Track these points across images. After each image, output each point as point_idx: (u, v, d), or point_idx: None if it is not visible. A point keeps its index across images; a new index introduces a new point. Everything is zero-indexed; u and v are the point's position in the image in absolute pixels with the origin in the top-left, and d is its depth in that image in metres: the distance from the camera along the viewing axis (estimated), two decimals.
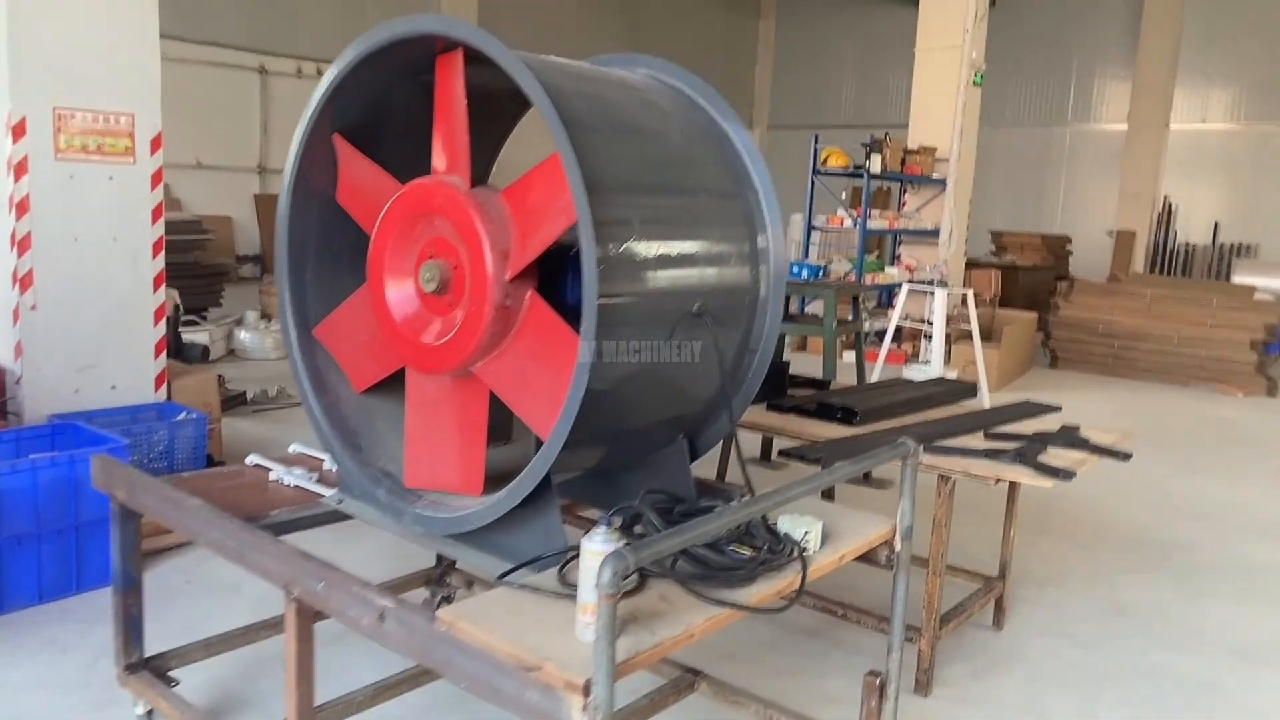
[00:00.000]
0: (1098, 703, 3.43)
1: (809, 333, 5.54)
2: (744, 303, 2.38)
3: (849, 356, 10.39)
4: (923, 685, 3.35)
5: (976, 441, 3.37)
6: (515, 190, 2.19)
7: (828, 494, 5.19)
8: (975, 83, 12.06)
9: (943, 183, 11.75)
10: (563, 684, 1.66)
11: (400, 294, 2.37)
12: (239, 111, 14.77)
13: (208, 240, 9.55)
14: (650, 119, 2.28)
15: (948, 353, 9.79)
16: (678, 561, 2.09)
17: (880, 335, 11.07)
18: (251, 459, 3.02)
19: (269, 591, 2.60)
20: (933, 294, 6.92)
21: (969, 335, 9.59)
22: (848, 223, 10.91)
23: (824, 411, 3.57)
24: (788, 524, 2.31)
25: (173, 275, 8.70)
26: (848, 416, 3.51)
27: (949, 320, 9.97)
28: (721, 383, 2.37)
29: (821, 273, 5.64)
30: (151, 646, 2.93)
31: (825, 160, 11.00)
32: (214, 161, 14.52)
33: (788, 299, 5.80)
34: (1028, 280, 14.47)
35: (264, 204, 15.12)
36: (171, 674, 2.86)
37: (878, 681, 2.53)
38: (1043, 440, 3.37)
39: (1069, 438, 3.42)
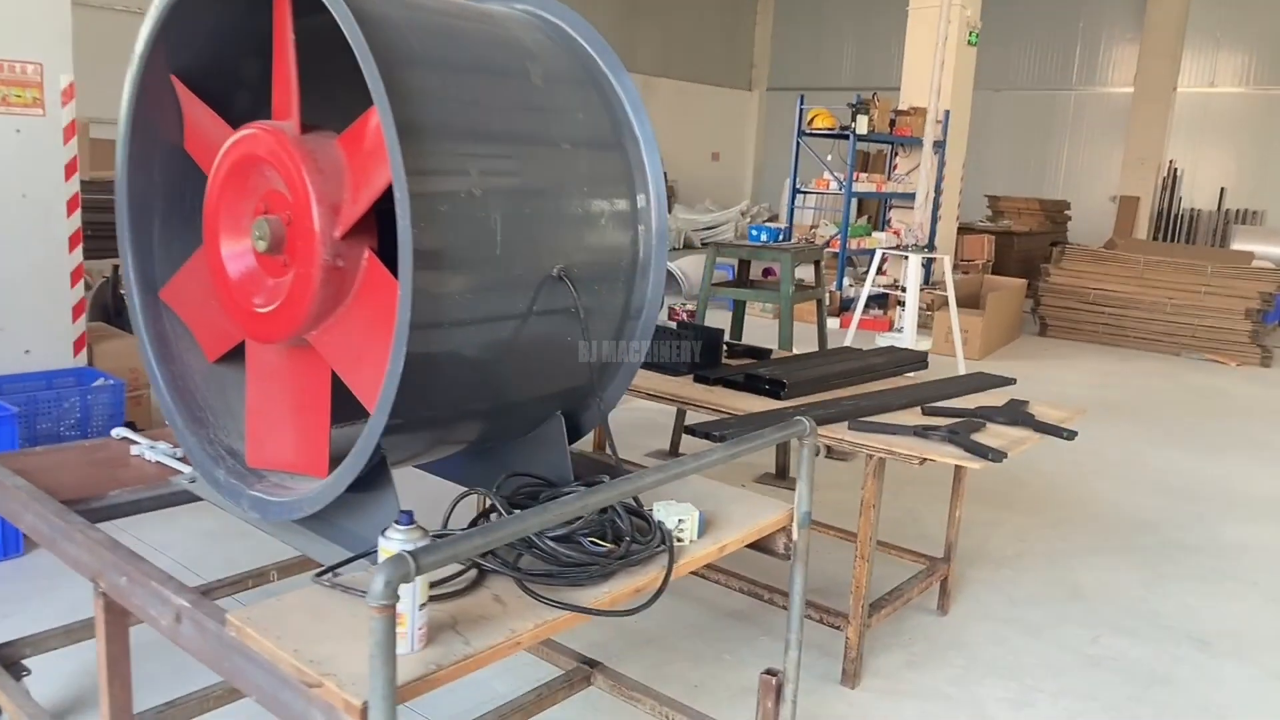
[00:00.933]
0: (1038, 693, 3.21)
1: (762, 299, 5.27)
2: (620, 266, 2.13)
3: (832, 323, 10.15)
4: (850, 676, 3.14)
5: (911, 417, 3.13)
6: (349, 136, 1.93)
7: (781, 473, 4.99)
8: (969, 42, 11.68)
9: (938, 145, 11.43)
10: (342, 704, 1.44)
11: (234, 253, 2.12)
12: None
13: None
14: (506, 58, 2.01)
15: (929, 320, 9.53)
16: (521, 556, 1.87)
17: (872, 302, 10.83)
18: (118, 431, 2.79)
19: (195, 557, 2.36)
20: (907, 259, 6.64)
21: (959, 304, 9.32)
22: (834, 186, 10.59)
23: (752, 384, 3.33)
24: (663, 512, 2.08)
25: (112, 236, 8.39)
26: (775, 389, 3.27)
27: (932, 286, 9.70)
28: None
29: (782, 236, 5.36)
30: (22, 630, 2.73)
31: (811, 121, 10.66)
32: None
33: (748, 264, 5.54)
34: (1024, 246, 14.15)
35: None
36: (25, 663, 2.66)
37: (774, 681, 2.31)
38: (984, 416, 3.13)
39: (1013, 414, 3.18)
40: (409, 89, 1.74)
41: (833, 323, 10.03)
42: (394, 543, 1.55)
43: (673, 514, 2.06)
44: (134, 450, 2.67)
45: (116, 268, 6.15)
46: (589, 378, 2.24)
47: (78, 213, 4.65)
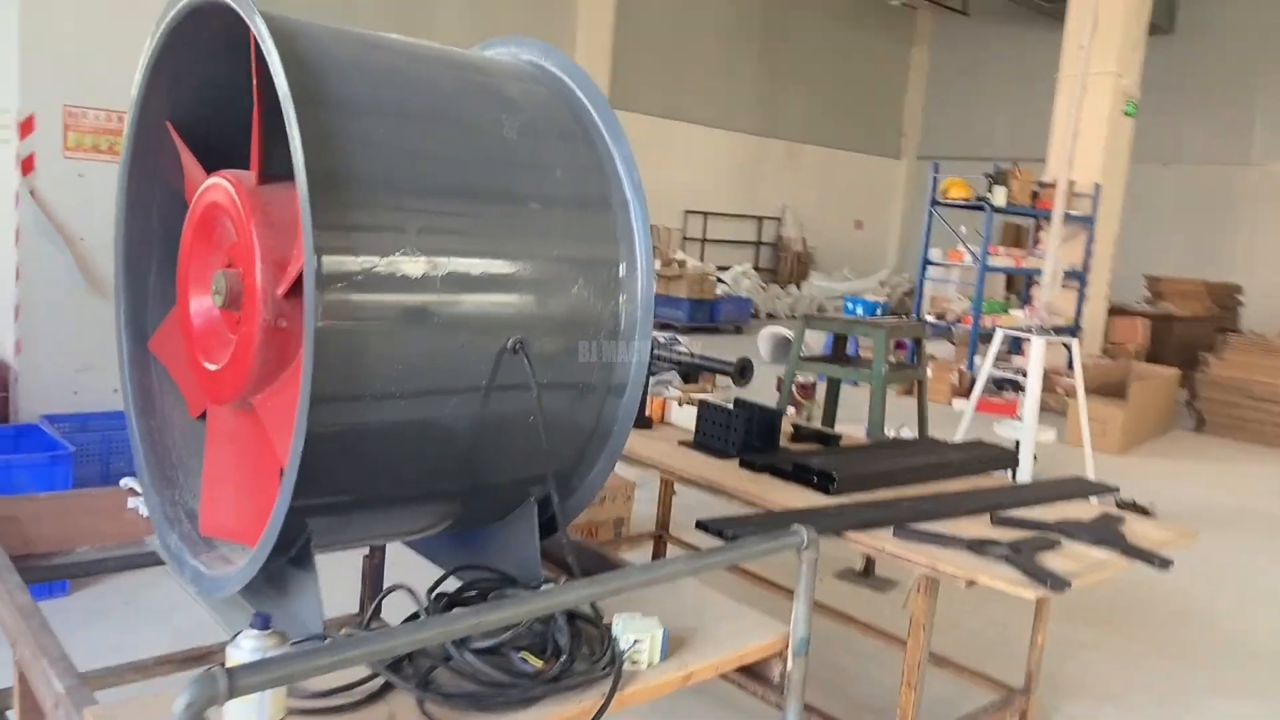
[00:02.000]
0: None
1: (853, 377, 4.90)
2: (596, 338, 1.90)
3: (959, 404, 9.54)
4: None
5: (978, 526, 2.73)
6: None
7: (868, 570, 4.53)
8: (1126, 112, 10.99)
9: (1085, 220, 10.74)
10: None
11: (199, 307, 2.02)
12: None
13: None
14: (477, 108, 1.84)
15: (1065, 407, 8.81)
16: (434, 670, 1.63)
17: (1005, 385, 10.15)
18: (126, 481, 2.74)
19: (203, 621, 2.31)
20: (1034, 341, 6.10)
21: (1098, 390, 8.59)
22: (967, 259, 10.05)
23: (800, 475, 3.01)
24: (623, 626, 1.81)
25: None
26: (824, 482, 2.93)
27: (1064, 374, 8.98)
28: (545, 435, 1.89)
29: (882, 310, 4.99)
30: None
31: (946, 191, 10.19)
32: None
33: (844, 339, 5.20)
34: (1185, 332, 13.02)
35: None
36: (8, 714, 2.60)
37: None
38: (1064, 531, 2.70)
39: (1100, 531, 2.73)
40: (339, 135, 1.58)
41: (962, 403, 9.44)
42: (241, 651, 1.35)
43: (635, 630, 1.78)
44: (130, 503, 2.60)
45: None
46: (565, 460, 2.00)
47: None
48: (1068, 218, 10.74)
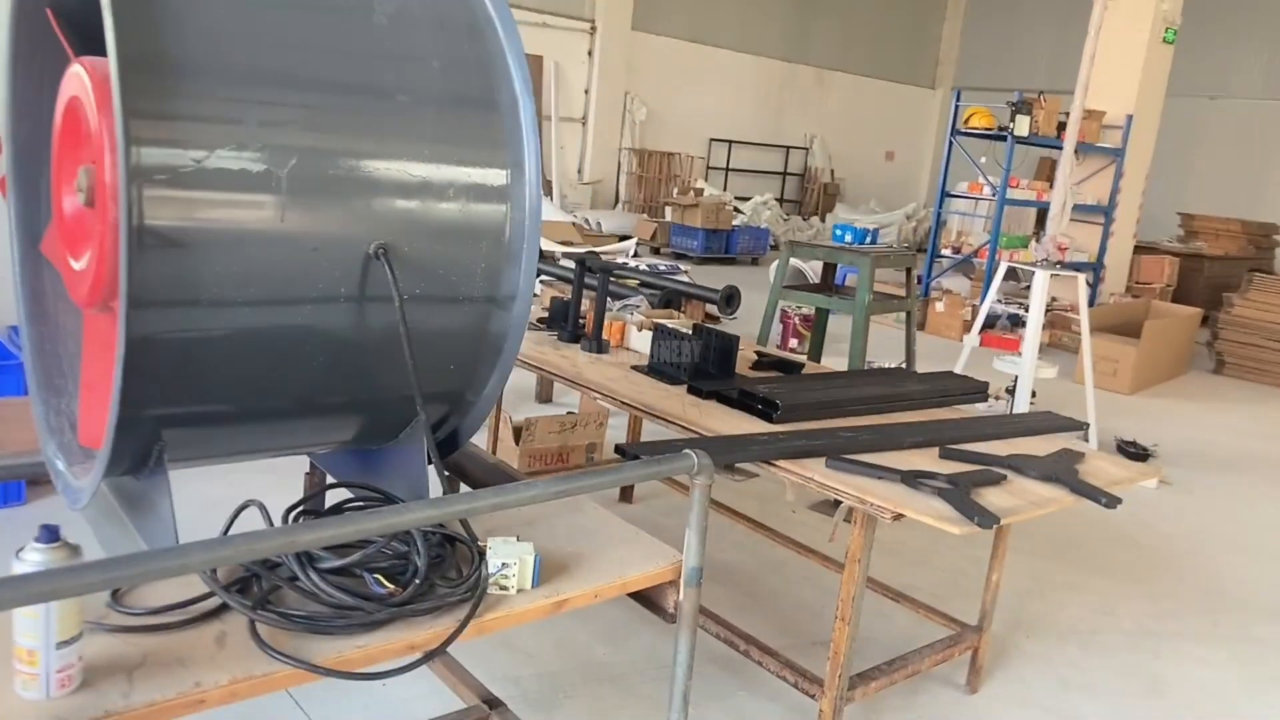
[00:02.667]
0: None
1: (835, 306, 4.72)
2: (476, 248, 1.77)
3: (970, 339, 9.31)
4: None
5: (925, 459, 2.60)
6: None
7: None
8: (1165, 40, 10.49)
9: (1114, 152, 10.34)
10: None
11: (69, 206, 1.91)
12: None
13: None
14: None
15: (1077, 345, 8.56)
16: (275, 590, 1.55)
17: (1020, 321, 9.89)
18: None
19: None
20: (1023, 275, 5.87)
21: (1115, 329, 8.34)
22: (987, 191, 9.72)
23: (745, 401, 2.88)
24: (495, 550, 1.72)
25: None
26: (768, 410, 2.81)
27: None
28: (411, 349, 1.78)
29: (871, 238, 4.79)
30: None
31: (968, 120, 9.82)
32: None
33: (833, 268, 5.01)
34: (1217, 272, 12.62)
35: None
36: None
37: None
38: (1013, 466, 2.57)
39: (1051, 467, 2.59)
40: (168, 13, 1.45)
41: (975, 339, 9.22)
42: (23, 565, 1.27)
43: (503, 555, 1.69)
44: None
45: None
46: (453, 376, 1.89)
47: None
48: (1094, 149, 10.37)
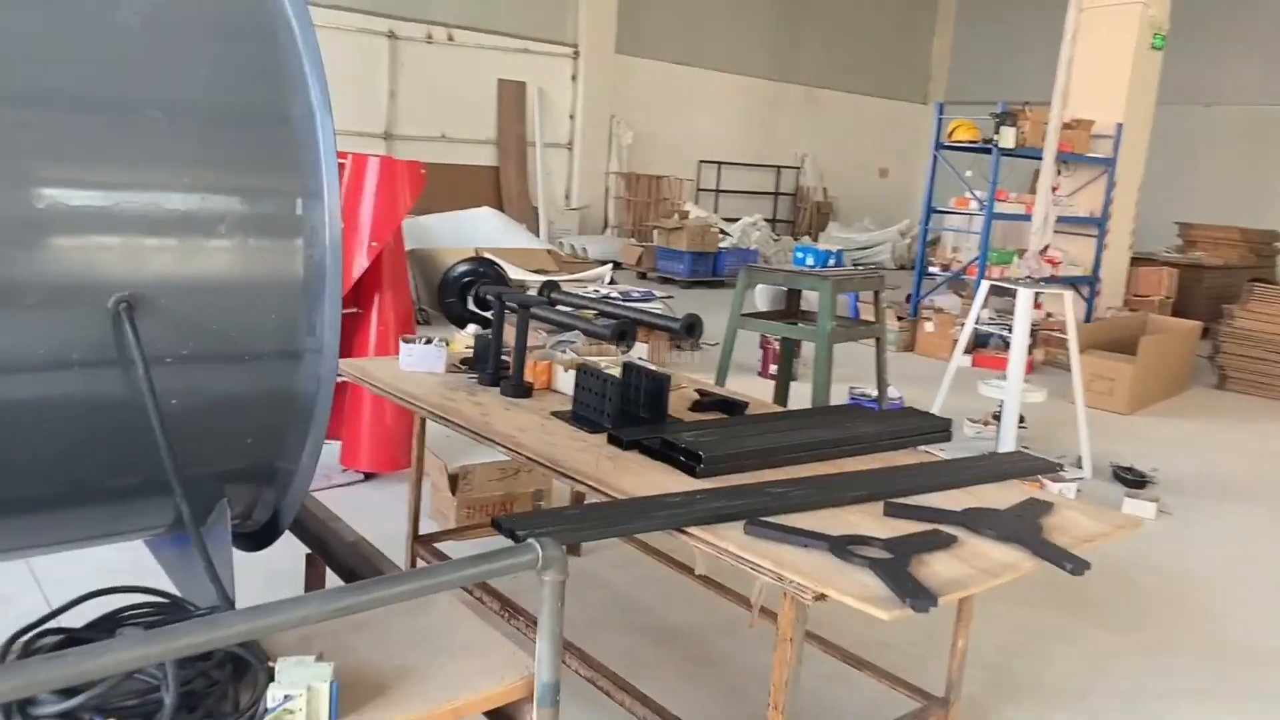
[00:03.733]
0: None
1: (795, 334, 4.38)
2: (264, 297, 1.44)
3: (961, 360, 8.97)
4: None
5: (862, 519, 2.25)
6: None
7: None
8: (1154, 45, 10.20)
9: (1105, 162, 10.03)
10: None
11: None
12: (367, 77, 14.66)
13: None
14: None
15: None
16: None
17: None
18: None
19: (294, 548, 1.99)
20: (1015, 293, 5.54)
21: (1110, 345, 7.98)
22: (974, 206, 9.40)
23: (668, 453, 2.54)
24: (285, 676, 1.37)
25: None
26: (690, 463, 2.46)
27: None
28: (162, 422, 1.44)
29: (833, 260, 4.45)
30: None
31: (952, 133, 9.52)
32: (342, 126, 14.43)
33: (797, 294, 4.67)
34: (1217, 282, 12.24)
35: None
36: None
37: None
38: (968, 524, 2.22)
39: (1014, 524, 2.24)
40: None
41: (964, 361, 8.89)
42: None
43: (291, 682, 1.35)
44: None
45: None
46: (253, 448, 1.56)
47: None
48: (1084, 160, 10.05)
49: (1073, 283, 10.37)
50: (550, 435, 2.72)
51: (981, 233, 9.08)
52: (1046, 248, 10.81)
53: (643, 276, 13.47)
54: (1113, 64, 10.11)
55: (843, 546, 2.01)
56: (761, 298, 10.90)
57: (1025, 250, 10.53)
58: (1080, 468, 5.77)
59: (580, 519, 2.07)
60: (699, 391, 3.30)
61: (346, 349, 4.48)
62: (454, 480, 4.09)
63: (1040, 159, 10.07)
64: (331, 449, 4.82)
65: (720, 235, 13.62)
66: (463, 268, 8.10)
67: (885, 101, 21.88)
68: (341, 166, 4.48)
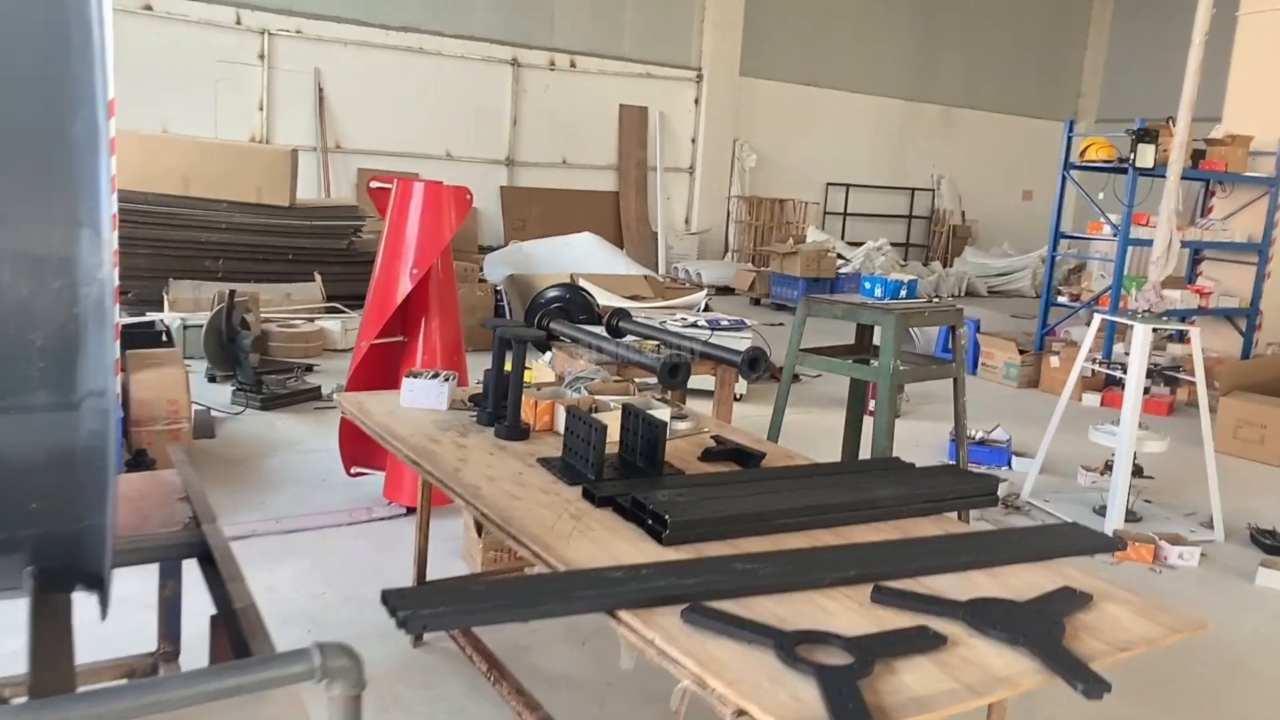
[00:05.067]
0: None
1: (854, 373, 3.97)
2: (25, 341, 1.25)
3: (1091, 399, 8.24)
4: None
5: (840, 607, 1.89)
6: None
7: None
8: None
9: (1266, 182, 9.06)
10: None
11: None
12: (490, 104, 14.90)
13: (359, 226, 9.40)
14: None
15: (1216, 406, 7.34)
16: None
17: (1155, 377, 8.67)
18: None
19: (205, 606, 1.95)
20: (1134, 329, 4.93)
21: (1263, 387, 7.12)
22: (1107, 230, 8.62)
23: (637, 513, 2.24)
24: None
25: (312, 261, 8.59)
26: (657, 527, 2.15)
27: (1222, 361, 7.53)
28: None
29: (904, 290, 4.00)
30: None
31: (1084, 152, 8.78)
32: (463, 153, 14.77)
33: (869, 328, 4.26)
34: None
35: (509, 196, 15.21)
36: None
37: None
38: (973, 619, 1.82)
39: (1033, 621, 1.82)
40: None
41: (1094, 399, 8.17)
42: None
43: None
44: None
45: (233, 293, 6.08)
46: (43, 519, 1.36)
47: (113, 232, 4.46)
48: (1244, 180, 9.10)
49: (1228, 315, 9.39)
50: (521, 487, 2.46)
51: (1115, 259, 8.30)
52: (1200, 274, 9.86)
53: (756, 303, 13.10)
54: (1276, 73, 9.14)
55: (791, 646, 1.66)
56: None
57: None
58: (1211, 528, 5.07)
59: (482, 598, 1.80)
60: (715, 438, 2.97)
61: (393, 378, 4.37)
62: (480, 524, 3.88)
63: (1187, 178, 9.20)
64: (376, 480, 4.72)
65: (839, 260, 13.09)
66: (552, 293, 7.94)
67: (1030, 120, 20.75)
68: (387, 191, 4.39)
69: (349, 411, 3.10)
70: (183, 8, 12.28)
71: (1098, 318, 5.32)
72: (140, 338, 7.40)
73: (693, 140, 16.63)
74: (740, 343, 7.31)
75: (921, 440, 6.51)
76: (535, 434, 2.94)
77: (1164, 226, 5.01)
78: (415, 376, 3.18)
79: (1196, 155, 8.83)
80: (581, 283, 8.62)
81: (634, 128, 15.98)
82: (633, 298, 8.72)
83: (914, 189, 19.28)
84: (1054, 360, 8.48)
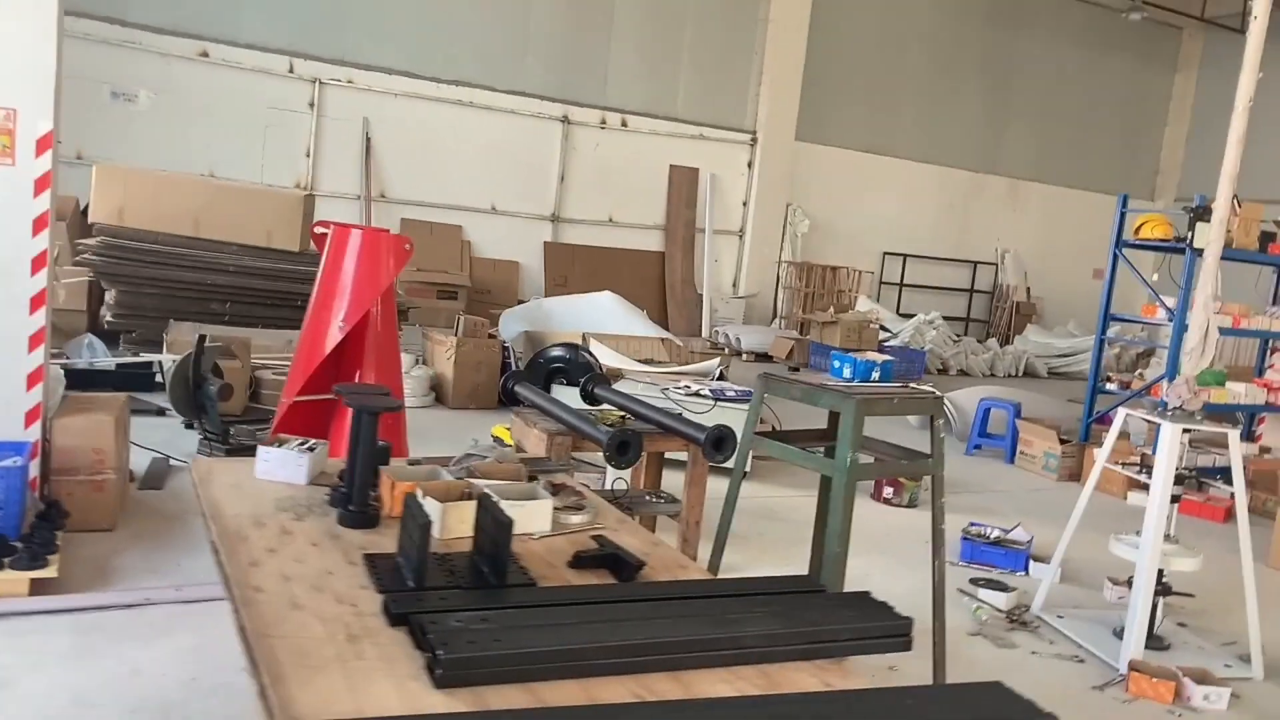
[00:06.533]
0: None
1: (809, 464, 3.46)
2: None
3: (1137, 498, 7.50)
4: None
5: None
6: None
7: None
8: None
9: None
10: None
11: None
12: (539, 160, 14.82)
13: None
14: None
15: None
16: None
17: (1214, 475, 7.89)
18: None
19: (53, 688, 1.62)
20: (1162, 429, 4.34)
21: None
22: (1161, 315, 7.95)
23: (426, 640, 1.80)
24: None
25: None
26: (433, 665, 1.71)
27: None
28: None
29: (877, 372, 3.49)
30: None
31: (1138, 230, 8.16)
32: (508, 208, 14.67)
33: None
34: None
35: (552, 251, 15.04)
36: None
37: None
38: None
39: None
40: None
41: (1140, 498, 7.43)
42: None
43: None
44: None
45: (203, 337, 5.85)
46: None
47: (44, 271, 4.25)
48: None
49: None
50: (316, 593, 2.04)
51: (1170, 345, 7.62)
52: (1272, 366, 9.06)
53: (795, 371, 12.57)
54: None
55: None
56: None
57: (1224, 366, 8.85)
58: (1249, 664, 4.37)
59: None
60: (597, 539, 2.51)
61: (321, 436, 4.01)
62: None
63: (1252, 261, 8.48)
64: None
65: (883, 332, 12.51)
66: (554, 352, 7.56)
67: (1103, 196, 19.92)
68: (323, 236, 4.09)
69: (196, 479, 2.73)
70: (237, 55, 12.50)
71: (1122, 412, 4.73)
72: (128, 380, 7.25)
73: (744, 203, 16.31)
74: (740, 416, 6.84)
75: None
76: (391, 521, 2.53)
77: (1199, 313, 4.44)
78: (279, 444, 2.80)
79: (1266, 237, 8.13)
80: (592, 343, 8.26)
81: (684, 188, 15.74)
82: (645, 361, 8.31)
83: (977, 262, 18.62)
84: (1097, 452, 7.76)
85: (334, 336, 3.94)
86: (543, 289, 15.00)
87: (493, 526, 2.21)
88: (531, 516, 2.56)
